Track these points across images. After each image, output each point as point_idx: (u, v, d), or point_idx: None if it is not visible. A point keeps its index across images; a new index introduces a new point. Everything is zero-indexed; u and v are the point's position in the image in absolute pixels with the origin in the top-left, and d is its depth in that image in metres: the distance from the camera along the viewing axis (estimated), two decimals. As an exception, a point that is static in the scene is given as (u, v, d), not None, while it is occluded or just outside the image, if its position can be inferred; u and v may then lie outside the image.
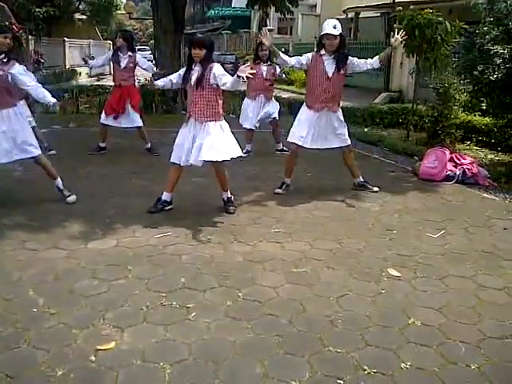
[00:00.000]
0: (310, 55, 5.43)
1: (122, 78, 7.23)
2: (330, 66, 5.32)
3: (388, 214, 5.05)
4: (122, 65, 7.18)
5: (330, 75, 5.33)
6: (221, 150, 4.65)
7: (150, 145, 7.45)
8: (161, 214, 4.81)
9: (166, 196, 4.92)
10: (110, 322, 2.95)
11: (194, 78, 4.63)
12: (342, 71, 5.37)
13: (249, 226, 4.60)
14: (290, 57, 5.68)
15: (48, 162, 5.12)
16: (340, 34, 5.23)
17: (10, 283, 3.39)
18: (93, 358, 2.62)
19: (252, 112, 7.45)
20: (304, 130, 5.44)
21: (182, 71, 4.83)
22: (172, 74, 4.99)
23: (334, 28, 5.20)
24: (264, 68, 7.35)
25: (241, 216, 4.87)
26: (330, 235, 4.43)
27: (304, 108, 5.54)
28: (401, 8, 12.30)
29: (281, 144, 7.79)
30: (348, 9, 21.08)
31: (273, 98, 7.65)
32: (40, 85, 4.97)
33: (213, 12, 38.29)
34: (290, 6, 13.93)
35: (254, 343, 2.80)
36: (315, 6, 28.08)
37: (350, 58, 5.39)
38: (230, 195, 5.04)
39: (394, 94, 15.29)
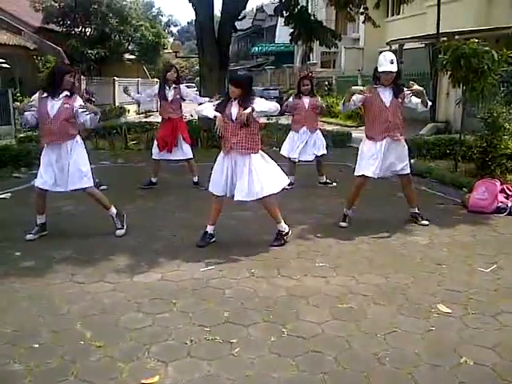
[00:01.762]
0: (359, 97, 5.40)
1: (170, 110, 7.35)
2: (386, 96, 5.35)
3: (437, 248, 4.91)
4: (170, 97, 7.32)
5: (388, 105, 5.35)
6: (266, 184, 4.70)
7: (197, 178, 7.56)
8: (205, 248, 4.84)
9: (209, 229, 4.96)
10: (154, 356, 2.96)
11: (234, 113, 4.70)
12: (399, 99, 5.37)
13: (293, 260, 4.56)
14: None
15: (99, 193, 5.29)
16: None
17: (59, 316, 3.47)
18: (137, 393, 2.63)
19: (295, 143, 7.53)
20: (370, 161, 5.43)
21: (215, 103, 4.93)
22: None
23: (392, 63, 5.25)
24: (306, 100, 7.46)
25: (285, 249, 4.84)
26: (376, 270, 4.33)
27: (366, 141, 5.54)
28: (445, 38, 12.23)
29: (324, 177, 7.77)
30: (391, 41, 21.06)
31: (318, 131, 7.68)
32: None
33: (257, 48, 39.11)
34: (334, 39, 14.05)
35: (298, 381, 2.74)
36: (358, 39, 28.25)
37: (404, 89, 5.39)
38: (282, 228, 4.99)
39: (441, 125, 15.06)
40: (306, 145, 7.53)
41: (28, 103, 5.16)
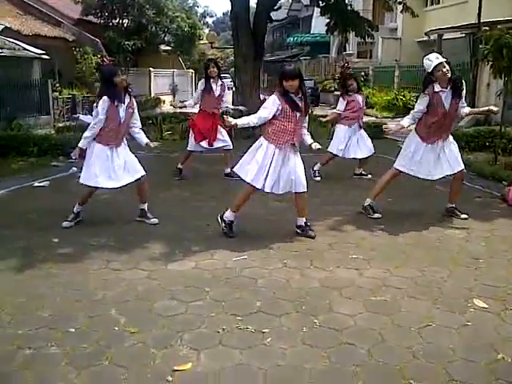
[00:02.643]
0: (424, 104, 5.25)
1: (214, 105, 7.31)
2: (447, 100, 5.20)
3: (474, 242, 4.79)
4: (217, 93, 7.29)
5: (447, 109, 5.21)
6: (304, 180, 4.81)
7: (229, 169, 7.58)
8: (237, 238, 4.85)
9: (230, 215, 4.95)
10: (187, 343, 2.99)
11: (300, 106, 4.71)
12: (457, 101, 5.25)
13: (325, 252, 4.53)
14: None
15: (147, 185, 5.37)
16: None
17: (94, 301, 3.54)
18: (170, 379, 2.66)
19: (344, 138, 7.44)
20: (415, 161, 5.35)
21: (272, 104, 4.69)
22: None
23: (438, 58, 5.14)
24: (359, 97, 7.50)
25: (317, 241, 4.81)
26: (411, 263, 4.26)
27: (415, 138, 5.39)
28: (487, 28, 11.88)
29: (361, 169, 7.70)
30: (430, 31, 20.58)
31: (363, 132, 7.60)
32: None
33: (292, 39, 38.79)
34: (370, 30, 13.81)
35: (330, 372, 2.73)
36: (396, 29, 27.69)
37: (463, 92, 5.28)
38: (306, 220, 5.01)
39: (481, 117, 14.66)
40: (357, 141, 7.47)
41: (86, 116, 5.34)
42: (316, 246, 4.68)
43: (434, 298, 3.60)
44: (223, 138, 7.43)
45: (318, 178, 7.51)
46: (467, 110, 5.41)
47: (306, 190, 4.86)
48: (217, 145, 7.46)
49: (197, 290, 3.72)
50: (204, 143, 7.35)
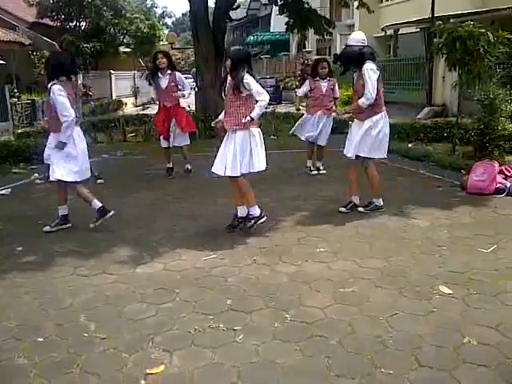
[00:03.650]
0: None
1: (165, 98, 7.25)
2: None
3: (437, 230, 4.91)
4: (163, 85, 7.21)
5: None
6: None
7: (190, 166, 7.56)
8: (206, 237, 4.85)
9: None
10: (158, 346, 2.97)
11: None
12: None
13: (294, 246, 4.57)
14: None
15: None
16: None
17: (62, 309, 3.47)
18: (143, 382, 2.64)
19: (310, 125, 7.42)
20: None
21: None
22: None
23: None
24: (324, 84, 7.37)
25: (285, 236, 4.85)
26: (377, 253, 4.34)
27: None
28: (440, 22, 12.17)
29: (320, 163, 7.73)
30: (386, 26, 20.95)
31: (331, 118, 7.53)
32: None
33: (252, 38, 38.85)
34: (328, 27, 13.96)
35: (303, 365, 2.76)
36: (353, 25, 28.06)
37: None
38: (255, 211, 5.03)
39: (438, 108, 15.03)
40: (320, 130, 7.41)
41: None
42: (284, 241, 4.71)
43: (400, 286, 3.68)
44: (181, 136, 7.41)
45: (315, 172, 7.54)
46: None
47: (238, 174, 4.78)
48: (175, 143, 7.44)
49: (166, 291, 3.69)
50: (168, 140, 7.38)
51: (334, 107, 7.47)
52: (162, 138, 7.48)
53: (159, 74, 7.21)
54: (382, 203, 5.56)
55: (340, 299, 3.50)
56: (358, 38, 5.40)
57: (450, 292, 3.56)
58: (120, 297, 3.63)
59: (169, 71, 7.20)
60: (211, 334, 3.09)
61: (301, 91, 7.68)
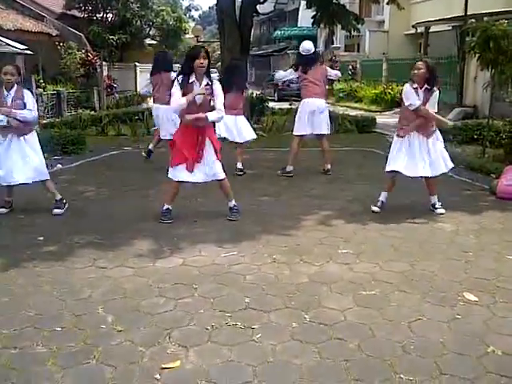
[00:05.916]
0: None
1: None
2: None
3: (464, 235, 4.79)
4: (198, 99, 6.68)
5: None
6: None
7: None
8: (226, 234, 4.81)
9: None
10: (175, 341, 2.95)
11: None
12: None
13: (315, 246, 4.50)
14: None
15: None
16: None
17: (81, 300, 3.48)
18: (158, 377, 2.62)
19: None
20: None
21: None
22: None
23: None
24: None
25: (307, 235, 4.79)
26: (401, 257, 4.25)
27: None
28: (473, 20, 11.91)
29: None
30: (417, 23, 20.63)
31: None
32: None
33: (279, 33, 38.67)
34: (356, 23, 13.77)
35: (320, 368, 2.70)
36: (383, 21, 27.73)
37: None
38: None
39: (468, 109, 14.74)
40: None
41: None
42: (305, 240, 4.65)
43: (423, 291, 3.59)
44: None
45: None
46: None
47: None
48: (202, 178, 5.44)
49: (185, 286, 3.67)
50: None
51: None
52: (179, 166, 5.07)
53: (193, 80, 4.93)
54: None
55: (361, 302, 3.43)
56: None
57: (475, 299, 3.46)
58: (138, 290, 3.62)
59: (206, 80, 4.98)
60: (228, 332, 3.05)
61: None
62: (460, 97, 15.25)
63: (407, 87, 5.21)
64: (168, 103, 5.32)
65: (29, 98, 5.29)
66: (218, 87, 5.00)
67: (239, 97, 7.30)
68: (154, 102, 8.05)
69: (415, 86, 5.16)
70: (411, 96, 5.15)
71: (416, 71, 5.14)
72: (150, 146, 8.26)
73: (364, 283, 3.72)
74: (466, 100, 15.25)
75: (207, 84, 4.90)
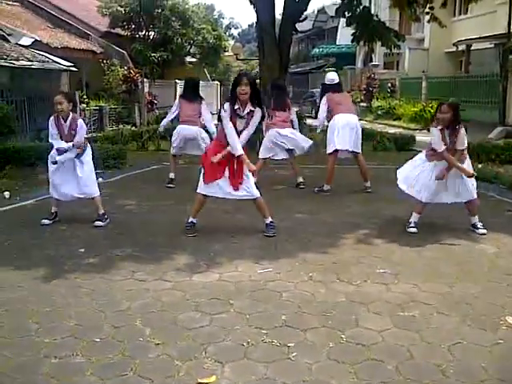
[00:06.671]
0: None
1: None
2: None
3: (506, 257, 4.66)
4: (241, 125, 6.15)
5: None
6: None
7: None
8: (262, 250, 4.82)
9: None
10: (211, 356, 2.96)
11: None
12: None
13: (352, 265, 4.46)
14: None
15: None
16: None
17: (119, 312, 3.54)
18: (194, 391, 2.63)
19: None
20: None
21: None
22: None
23: None
24: None
25: (344, 254, 4.75)
26: (440, 278, 4.16)
27: None
28: (517, 38, 11.68)
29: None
30: (459, 41, 20.38)
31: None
32: None
33: (317, 50, 38.82)
34: (397, 40, 13.70)
35: (357, 389, 2.66)
36: (423, 39, 27.48)
37: None
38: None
39: (511, 128, 14.39)
40: None
41: None
42: (342, 259, 4.62)
43: (464, 314, 3.50)
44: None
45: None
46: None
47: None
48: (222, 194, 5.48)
49: (221, 302, 3.69)
50: None
51: None
52: (210, 182, 5.24)
53: (238, 107, 5.04)
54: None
55: (399, 323, 3.37)
56: None
57: (519, 324, 3.35)
58: (175, 304, 3.66)
59: (250, 107, 5.06)
60: (264, 349, 3.05)
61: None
62: (502, 115, 14.92)
63: (434, 131, 5.21)
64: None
65: (80, 129, 5.46)
66: (257, 116, 5.10)
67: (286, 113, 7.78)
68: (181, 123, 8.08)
69: (440, 127, 5.13)
70: (438, 141, 5.16)
71: (442, 115, 5.12)
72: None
73: (402, 304, 3.66)
74: (508, 119, 14.91)
75: (250, 111, 5.04)
